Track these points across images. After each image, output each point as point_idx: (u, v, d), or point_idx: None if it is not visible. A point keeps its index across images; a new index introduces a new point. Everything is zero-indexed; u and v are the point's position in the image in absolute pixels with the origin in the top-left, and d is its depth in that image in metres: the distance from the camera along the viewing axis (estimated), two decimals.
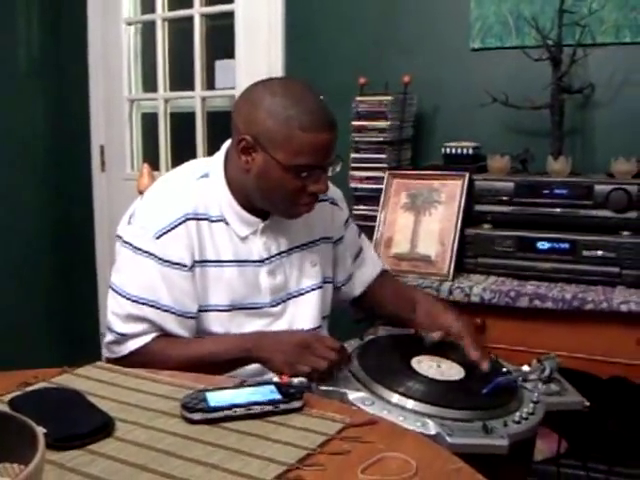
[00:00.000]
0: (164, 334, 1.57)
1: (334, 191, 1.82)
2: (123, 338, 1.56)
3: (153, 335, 1.56)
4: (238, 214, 1.61)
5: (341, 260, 1.84)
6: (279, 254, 1.67)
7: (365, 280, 1.89)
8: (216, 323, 1.60)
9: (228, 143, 1.66)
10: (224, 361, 1.53)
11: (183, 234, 1.54)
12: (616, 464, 2.26)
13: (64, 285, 3.72)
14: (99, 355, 1.62)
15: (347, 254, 1.85)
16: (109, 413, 1.12)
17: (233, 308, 1.61)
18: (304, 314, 1.70)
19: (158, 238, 1.54)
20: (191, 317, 1.58)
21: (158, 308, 1.55)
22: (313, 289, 1.72)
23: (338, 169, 1.62)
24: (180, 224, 1.54)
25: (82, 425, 1.07)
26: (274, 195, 1.56)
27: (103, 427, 1.08)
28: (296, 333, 1.61)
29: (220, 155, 1.66)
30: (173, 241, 1.54)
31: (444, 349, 1.57)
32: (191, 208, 1.56)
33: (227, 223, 1.60)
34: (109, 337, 1.58)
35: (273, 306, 1.66)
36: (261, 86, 1.56)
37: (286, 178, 1.52)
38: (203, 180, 1.62)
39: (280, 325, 1.66)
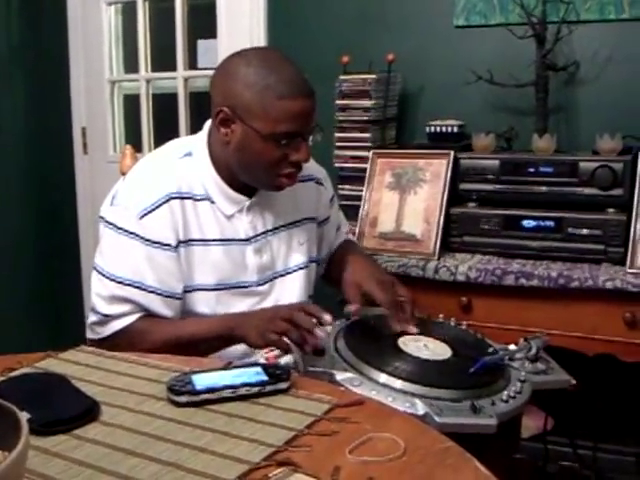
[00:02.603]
0: (148, 314, 1.56)
1: (318, 170, 1.82)
2: (107, 319, 1.55)
3: (137, 315, 1.55)
4: (224, 192, 1.60)
5: (326, 239, 1.85)
6: (265, 232, 1.66)
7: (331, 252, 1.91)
8: (202, 303, 1.60)
9: (210, 122, 1.64)
10: (208, 340, 1.53)
11: (167, 214, 1.53)
12: (603, 441, 2.27)
13: (47, 269, 3.70)
14: (83, 339, 1.61)
15: (332, 232, 1.87)
16: (94, 397, 1.12)
17: (220, 288, 1.61)
18: (290, 293, 1.70)
19: (141, 218, 1.52)
20: (177, 298, 1.58)
21: (143, 289, 1.54)
22: (301, 268, 1.73)
23: (319, 138, 1.61)
24: (163, 204, 1.53)
25: (67, 410, 1.06)
26: (255, 166, 1.55)
27: (88, 412, 1.07)
28: (270, 307, 1.61)
29: (203, 134, 1.65)
30: (157, 221, 1.53)
31: (431, 328, 1.57)
32: (175, 187, 1.55)
33: (212, 202, 1.60)
34: (92, 318, 1.58)
35: (260, 285, 1.66)
36: (236, 57, 1.56)
37: (266, 148, 1.51)
38: (186, 159, 1.61)
39: (267, 304, 1.66)
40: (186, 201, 1.57)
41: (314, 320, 1.42)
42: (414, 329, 1.51)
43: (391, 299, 1.55)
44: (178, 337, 1.53)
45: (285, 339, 1.41)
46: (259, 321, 1.48)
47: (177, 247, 1.55)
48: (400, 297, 1.57)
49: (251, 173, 1.58)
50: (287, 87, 1.49)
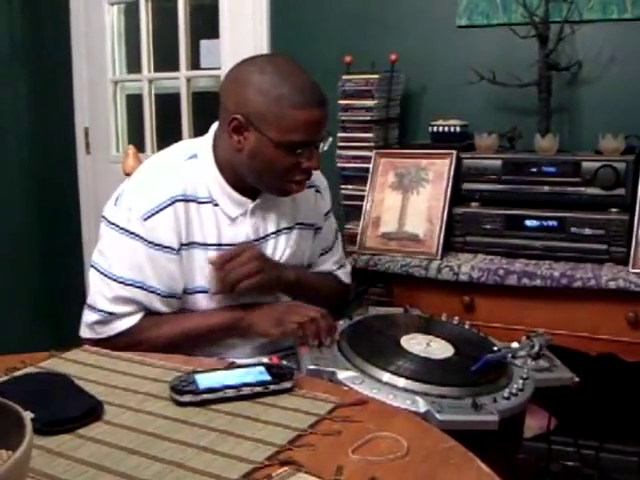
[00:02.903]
0: (150, 312, 1.57)
1: (320, 180, 1.83)
2: (111, 318, 1.55)
3: (140, 315, 1.56)
4: (228, 195, 1.60)
5: (312, 248, 1.83)
6: (267, 236, 1.67)
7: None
8: (204, 305, 1.60)
9: (217, 125, 1.64)
10: (215, 331, 1.56)
11: (171, 216, 1.53)
12: (606, 440, 2.27)
13: (50, 268, 3.70)
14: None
15: (319, 246, 1.84)
16: (98, 397, 1.12)
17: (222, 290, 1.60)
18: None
19: (146, 220, 1.52)
20: (177, 297, 1.58)
21: (145, 289, 1.54)
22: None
23: (327, 146, 1.62)
24: (168, 206, 1.53)
25: (70, 409, 1.06)
26: (267, 173, 1.56)
27: (92, 411, 1.07)
28: (285, 302, 1.67)
29: (208, 137, 1.65)
30: (161, 223, 1.53)
31: (433, 327, 1.57)
32: (180, 190, 1.55)
33: (216, 205, 1.60)
34: (94, 317, 1.56)
35: None
36: (248, 64, 1.56)
37: (279, 155, 1.52)
38: (192, 161, 1.61)
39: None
40: (190, 204, 1.57)
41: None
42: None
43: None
44: (186, 330, 1.55)
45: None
46: (273, 310, 1.56)
47: (179, 250, 1.56)
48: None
49: (262, 179, 1.58)
50: (301, 97, 1.49)
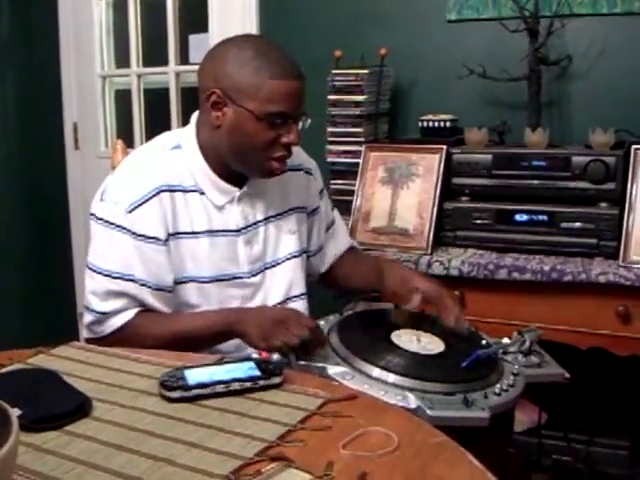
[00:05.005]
0: (145, 310, 1.55)
1: (309, 161, 1.83)
2: (104, 317, 1.53)
3: (135, 311, 1.54)
4: (214, 183, 1.60)
5: (315, 231, 1.84)
6: (256, 223, 1.66)
7: (334, 254, 1.89)
8: (195, 295, 1.59)
9: (197, 113, 1.65)
10: (206, 335, 1.52)
11: (156, 207, 1.53)
12: (597, 434, 2.28)
13: (39, 265, 3.68)
14: (76, 336, 1.60)
15: (322, 225, 1.86)
16: (86, 393, 1.11)
17: (212, 280, 1.60)
18: (280, 284, 1.70)
19: (130, 212, 1.52)
20: (167, 291, 1.57)
21: (136, 282, 1.53)
22: (294, 256, 1.72)
23: (307, 124, 1.61)
24: (153, 197, 1.53)
25: (58, 406, 1.05)
26: (247, 149, 1.55)
27: (80, 408, 1.06)
28: (276, 309, 1.60)
29: (191, 126, 1.65)
30: (146, 214, 1.52)
31: (424, 322, 1.57)
32: (164, 180, 1.55)
33: (202, 193, 1.59)
34: (89, 317, 1.56)
35: (252, 276, 1.65)
36: (225, 42, 1.58)
37: (258, 129, 1.52)
38: (176, 151, 1.61)
39: (261, 295, 1.66)
40: (176, 194, 1.56)
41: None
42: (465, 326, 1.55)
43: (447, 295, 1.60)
44: (177, 332, 1.53)
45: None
46: (263, 322, 1.47)
47: (166, 240, 1.55)
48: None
49: (242, 157, 1.57)
50: (279, 68, 1.50)
